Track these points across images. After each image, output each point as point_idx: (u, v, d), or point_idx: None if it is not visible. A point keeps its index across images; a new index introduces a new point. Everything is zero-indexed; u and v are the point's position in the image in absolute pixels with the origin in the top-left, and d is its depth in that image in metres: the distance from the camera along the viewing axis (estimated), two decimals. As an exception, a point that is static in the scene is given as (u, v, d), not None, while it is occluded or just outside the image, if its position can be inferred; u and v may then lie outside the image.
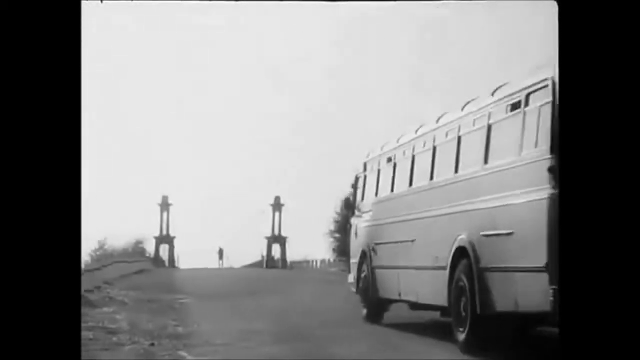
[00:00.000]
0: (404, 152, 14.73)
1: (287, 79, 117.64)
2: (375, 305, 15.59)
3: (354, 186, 17.82)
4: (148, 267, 45.36)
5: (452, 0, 14.48)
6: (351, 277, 17.10)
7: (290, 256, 76.38)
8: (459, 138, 12.05)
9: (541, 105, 9.54)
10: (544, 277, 8.88)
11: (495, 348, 10.71)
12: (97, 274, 22.78)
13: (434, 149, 13.07)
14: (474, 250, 10.84)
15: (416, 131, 14.25)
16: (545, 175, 9.05)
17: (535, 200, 9.20)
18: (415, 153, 14.07)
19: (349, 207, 18.37)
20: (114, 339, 12.74)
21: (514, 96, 10.44)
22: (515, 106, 10.36)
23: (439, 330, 12.91)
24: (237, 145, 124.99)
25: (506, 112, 10.63)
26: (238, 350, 12.00)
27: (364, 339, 12.99)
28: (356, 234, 17.08)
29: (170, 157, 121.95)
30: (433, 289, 12.29)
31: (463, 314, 11.10)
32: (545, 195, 8.94)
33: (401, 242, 14.05)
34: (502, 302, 10.14)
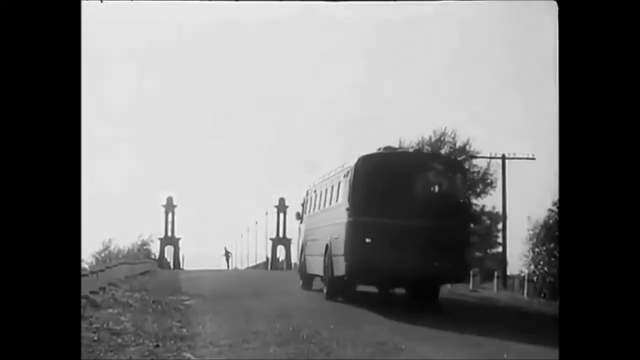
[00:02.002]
0: (318, 188, 24.30)
1: (291, 79, 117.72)
2: (307, 278, 25.06)
3: (302, 204, 27.47)
4: (153, 269, 45.21)
5: (452, 0, 14.51)
6: (298, 262, 27.97)
7: (295, 258, 76.26)
8: (332, 186, 21.78)
9: (349, 179, 19.41)
10: (343, 259, 18.98)
11: (341, 296, 20.40)
12: (101, 275, 22.71)
13: (325, 190, 22.81)
14: (330, 246, 20.44)
15: (323, 177, 23.78)
16: (345, 212, 19.12)
17: (343, 223, 19.14)
18: (320, 190, 23.71)
19: (299, 217, 27.73)
20: (119, 340, 12.77)
21: (345, 170, 20.14)
22: (345, 175, 20.00)
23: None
24: (242, 146, 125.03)
25: (343, 178, 20.22)
26: (242, 351, 12.03)
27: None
28: (301, 234, 27.24)
29: (176, 158, 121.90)
30: (320, 266, 21.72)
31: (326, 278, 20.91)
32: (345, 222, 19.02)
33: (313, 240, 23.91)
34: (337, 271, 19.80)
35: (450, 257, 18.47)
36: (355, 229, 18.70)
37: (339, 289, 20.29)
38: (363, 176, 19.07)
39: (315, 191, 24.89)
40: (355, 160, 19.51)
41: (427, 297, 19.99)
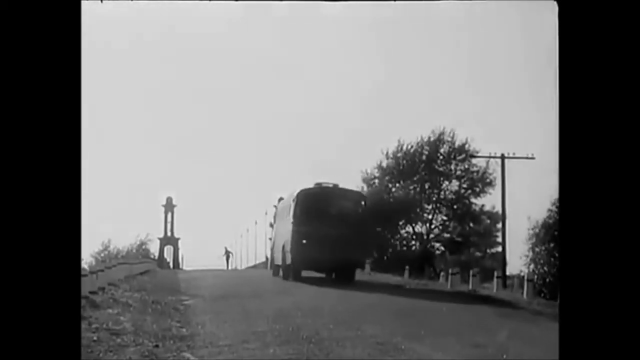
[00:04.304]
0: (281, 205, 35.83)
1: (290, 79, 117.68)
2: (275, 268, 34.73)
3: (274, 216, 41.17)
4: (152, 269, 45.15)
5: (451, 0, 14.69)
6: (270, 256, 41.68)
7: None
8: (286, 206, 32.73)
9: (294, 203, 30.55)
10: (290, 254, 30.34)
11: (292, 277, 29.81)
12: (101, 275, 22.64)
13: (284, 207, 33.78)
14: (285, 245, 30.94)
15: (284, 198, 35.32)
16: (291, 223, 30.34)
17: (290, 230, 30.30)
18: (282, 207, 35.32)
19: (272, 225, 42.37)
20: (118, 340, 12.75)
21: (293, 197, 30.94)
22: (293, 200, 30.77)
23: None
24: (241, 146, 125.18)
25: (292, 201, 30.99)
26: (242, 351, 12.03)
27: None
28: (272, 237, 38.76)
29: (175, 158, 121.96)
30: (280, 257, 32.36)
31: (283, 266, 31.60)
32: (291, 229, 30.23)
33: (278, 242, 34.00)
34: (287, 261, 30.70)
35: (354, 252, 29.81)
36: (296, 234, 29.75)
37: (290, 273, 30.56)
38: (302, 202, 30.27)
39: (280, 207, 37.00)
40: (298, 191, 30.96)
41: (346, 278, 29.90)
